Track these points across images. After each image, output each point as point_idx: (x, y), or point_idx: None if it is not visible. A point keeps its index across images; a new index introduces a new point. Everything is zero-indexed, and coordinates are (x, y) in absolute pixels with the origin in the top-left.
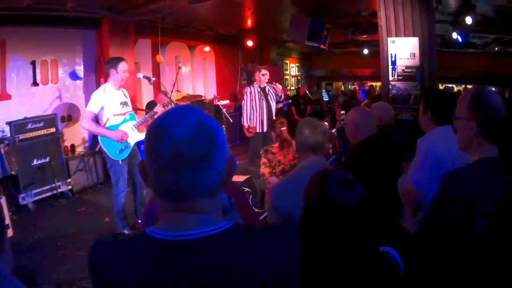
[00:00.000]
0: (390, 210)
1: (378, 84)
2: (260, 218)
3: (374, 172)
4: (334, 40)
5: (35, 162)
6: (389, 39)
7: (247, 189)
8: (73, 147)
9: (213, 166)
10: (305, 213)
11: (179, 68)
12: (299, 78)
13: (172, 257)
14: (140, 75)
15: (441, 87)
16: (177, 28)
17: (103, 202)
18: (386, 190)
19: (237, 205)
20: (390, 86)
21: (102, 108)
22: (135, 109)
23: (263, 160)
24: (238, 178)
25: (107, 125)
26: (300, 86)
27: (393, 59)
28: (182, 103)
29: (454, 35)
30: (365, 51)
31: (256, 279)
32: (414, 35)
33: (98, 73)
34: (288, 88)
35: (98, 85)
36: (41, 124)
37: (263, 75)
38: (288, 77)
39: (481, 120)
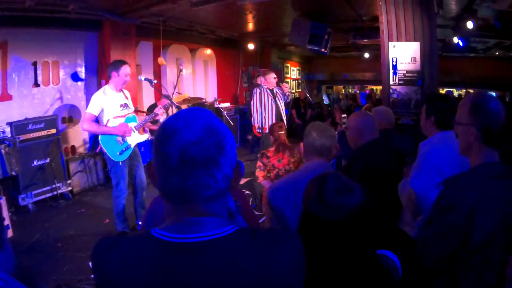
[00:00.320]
0: (390, 214)
1: (379, 88)
2: (260, 221)
3: (375, 176)
4: (335, 44)
5: (35, 163)
6: (390, 43)
7: (247, 192)
8: (73, 148)
9: (221, 170)
10: (303, 217)
11: (180, 70)
12: (299, 81)
13: (177, 259)
14: (142, 77)
15: (442, 91)
16: (178, 31)
17: (103, 203)
18: (386, 194)
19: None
20: (391, 90)
21: (102, 110)
22: (136, 110)
23: (258, 163)
24: None
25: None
26: (300, 89)
27: (394, 63)
28: (183, 106)
29: (455, 40)
30: (366, 55)
31: (260, 282)
32: (415, 40)
33: (99, 75)
34: (289, 91)
35: (99, 86)
36: (42, 125)
37: (274, 78)
38: (288, 80)
39: (481, 125)
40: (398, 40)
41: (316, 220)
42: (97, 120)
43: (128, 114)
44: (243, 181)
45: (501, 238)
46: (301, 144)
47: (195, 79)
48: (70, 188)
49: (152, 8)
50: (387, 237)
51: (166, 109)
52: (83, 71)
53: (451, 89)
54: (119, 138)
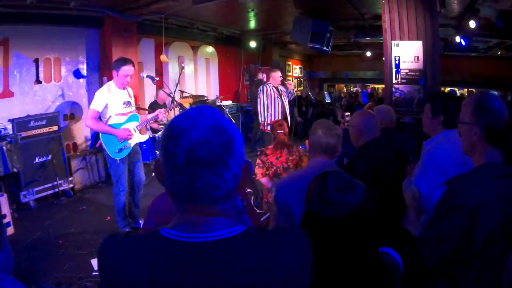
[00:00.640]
0: (393, 212)
1: (380, 86)
2: (262, 219)
3: (376, 175)
4: (337, 42)
5: (37, 160)
6: (393, 42)
7: (249, 190)
8: (75, 145)
9: (229, 171)
10: (305, 215)
11: (182, 68)
12: (301, 79)
13: (186, 258)
14: (144, 75)
15: (445, 90)
16: (180, 28)
17: (104, 201)
18: (387, 192)
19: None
20: (393, 89)
21: (106, 106)
22: (138, 108)
23: (258, 161)
24: None
25: (109, 123)
26: (302, 87)
27: (397, 62)
28: (185, 103)
29: (458, 39)
30: (368, 54)
31: (269, 281)
32: (418, 39)
33: (101, 72)
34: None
35: (101, 83)
36: (44, 122)
37: (279, 76)
38: (290, 78)
39: (485, 125)
40: (401, 38)
41: (318, 218)
42: (100, 116)
43: (130, 112)
44: None
45: (502, 238)
46: (307, 142)
47: (197, 76)
48: (71, 185)
49: (153, 5)
50: (389, 236)
51: (170, 111)
52: (85, 68)
53: (454, 89)
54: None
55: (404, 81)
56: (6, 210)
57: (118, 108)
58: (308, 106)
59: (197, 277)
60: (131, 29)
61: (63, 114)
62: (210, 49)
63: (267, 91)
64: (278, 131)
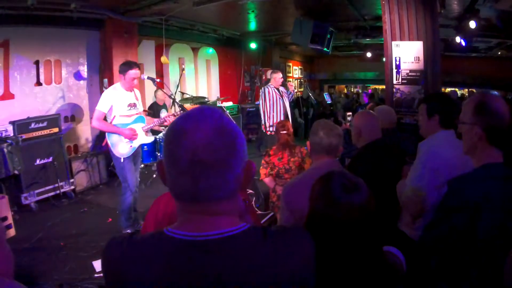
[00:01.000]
0: (390, 214)
1: (381, 87)
2: (263, 220)
3: (377, 176)
4: (337, 43)
5: (38, 161)
6: (394, 42)
7: (250, 191)
8: (76, 147)
9: (231, 172)
10: (310, 215)
11: (183, 69)
12: (301, 80)
13: (191, 256)
14: (145, 76)
15: (445, 91)
16: (180, 30)
17: (105, 202)
18: (388, 193)
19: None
20: (394, 90)
21: (111, 107)
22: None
23: (262, 161)
24: None
25: (114, 123)
26: (303, 89)
27: (398, 62)
28: (186, 105)
29: (458, 39)
30: (368, 55)
31: (272, 279)
32: (418, 39)
33: (101, 73)
34: (294, 89)
35: (101, 85)
36: (44, 124)
37: (280, 78)
38: (290, 79)
39: (485, 125)
40: (401, 39)
41: (323, 218)
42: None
43: (136, 114)
44: None
45: (503, 238)
46: (308, 143)
47: (198, 78)
48: (72, 187)
49: (154, 7)
50: (387, 238)
51: (175, 116)
52: (86, 69)
53: (454, 89)
54: None
55: (405, 81)
56: (7, 212)
57: (123, 110)
58: (309, 107)
59: (201, 275)
60: (132, 31)
61: (64, 116)
62: (210, 50)
63: (269, 92)
64: (281, 131)
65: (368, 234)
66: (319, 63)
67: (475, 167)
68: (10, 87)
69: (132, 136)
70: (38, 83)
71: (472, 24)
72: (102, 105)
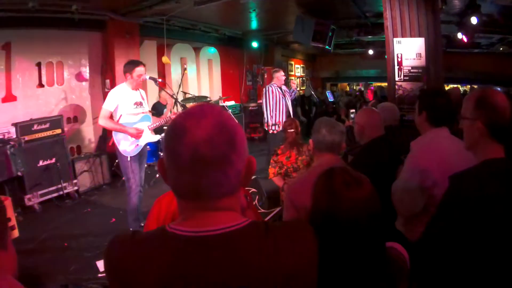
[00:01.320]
0: (389, 212)
1: (383, 84)
2: (268, 217)
3: (378, 174)
4: (339, 41)
5: (41, 163)
6: (395, 39)
7: (252, 190)
8: (79, 148)
9: (232, 167)
10: (312, 211)
11: (185, 69)
12: (304, 79)
13: (194, 252)
14: (147, 76)
15: (447, 87)
16: (182, 30)
17: (109, 203)
18: (390, 190)
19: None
20: (396, 87)
21: (117, 105)
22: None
23: (271, 160)
24: None
25: (120, 122)
26: (305, 87)
27: (399, 59)
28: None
29: (459, 35)
30: (370, 52)
31: (275, 273)
32: (419, 36)
33: (103, 74)
34: (296, 87)
35: (103, 86)
36: (47, 126)
37: (283, 76)
38: (293, 78)
39: (487, 120)
40: (402, 36)
41: (326, 214)
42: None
43: (142, 113)
44: None
45: (506, 234)
46: (310, 141)
47: (200, 77)
48: (76, 188)
49: (155, 7)
50: (385, 237)
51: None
52: (88, 71)
53: (457, 85)
54: None
55: (407, 78)
56: (10, 213)
57: (129, 108)
58: (312, 105)
59: (204, 270)
60: (133, 32)
61: (66, 117)
62: (212, 50)
63: (272, 91)
64: (289, 130)
65: (371, 230)
66: (321, 61)
67: (477, 162)
68: (13, 89)
69: (137, 135)
70: (40, 85)
71: (474, 20)
72: (109, 104)
